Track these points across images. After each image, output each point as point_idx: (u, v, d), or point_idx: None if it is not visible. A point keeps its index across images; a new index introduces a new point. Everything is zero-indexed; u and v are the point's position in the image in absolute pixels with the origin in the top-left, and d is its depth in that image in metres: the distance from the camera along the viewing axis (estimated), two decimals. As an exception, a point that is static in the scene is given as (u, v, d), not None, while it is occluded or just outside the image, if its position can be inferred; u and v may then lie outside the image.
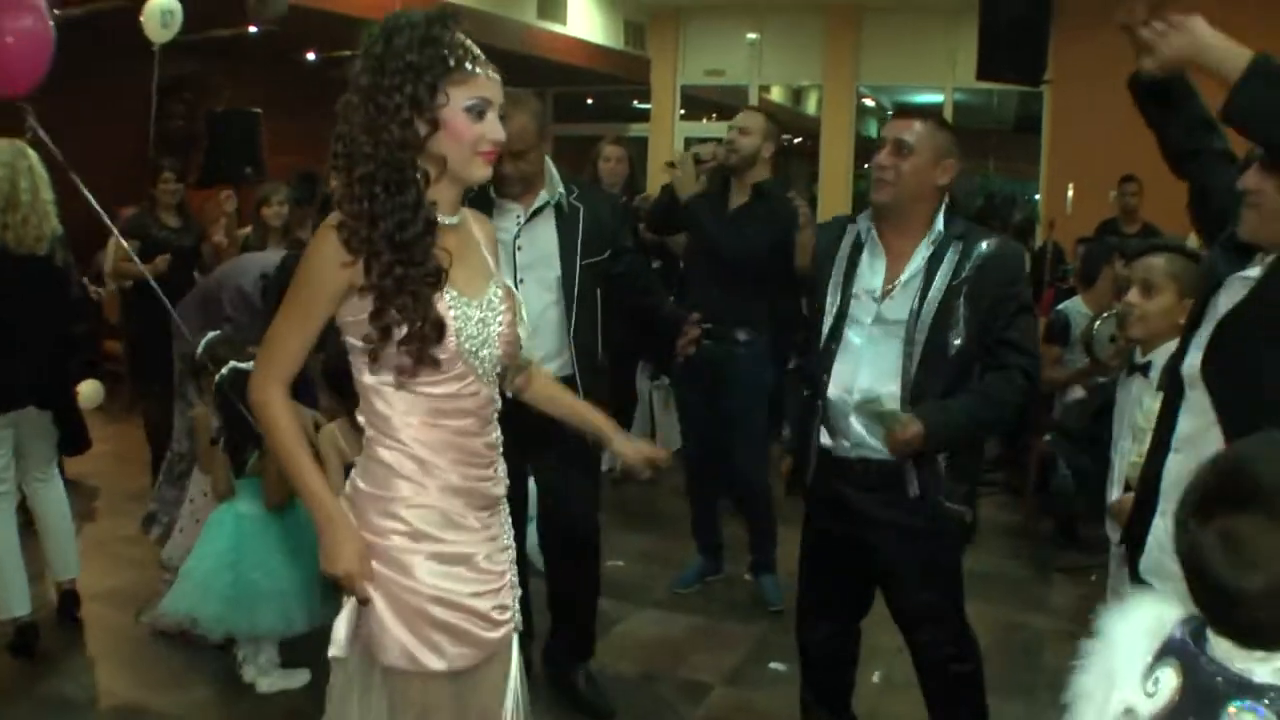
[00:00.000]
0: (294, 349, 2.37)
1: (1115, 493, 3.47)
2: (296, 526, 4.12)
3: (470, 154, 2.33)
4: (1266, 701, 1.40)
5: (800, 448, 3.35)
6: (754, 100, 12.49)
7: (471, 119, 2.30)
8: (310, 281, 2.34)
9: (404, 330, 2.26)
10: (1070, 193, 7.79)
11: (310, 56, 10.33)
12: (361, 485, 2.41)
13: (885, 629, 3.47)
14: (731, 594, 5.40)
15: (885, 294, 3.20)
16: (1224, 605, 1.44)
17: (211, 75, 10.11)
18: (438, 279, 2.30)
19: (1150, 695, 1.52)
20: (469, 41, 2.30)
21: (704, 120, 13.41)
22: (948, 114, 11.65)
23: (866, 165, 11.79)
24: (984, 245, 3.15)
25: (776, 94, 13.89)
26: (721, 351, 5.02)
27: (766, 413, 5.36)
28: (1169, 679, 1.51)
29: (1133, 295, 3.56)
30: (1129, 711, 1.53)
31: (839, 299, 3.27)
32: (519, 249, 3.86)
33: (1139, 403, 3.49)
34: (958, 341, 3.11)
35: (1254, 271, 2.47)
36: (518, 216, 3.87)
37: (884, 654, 3.69)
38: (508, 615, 2.49)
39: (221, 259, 6.52)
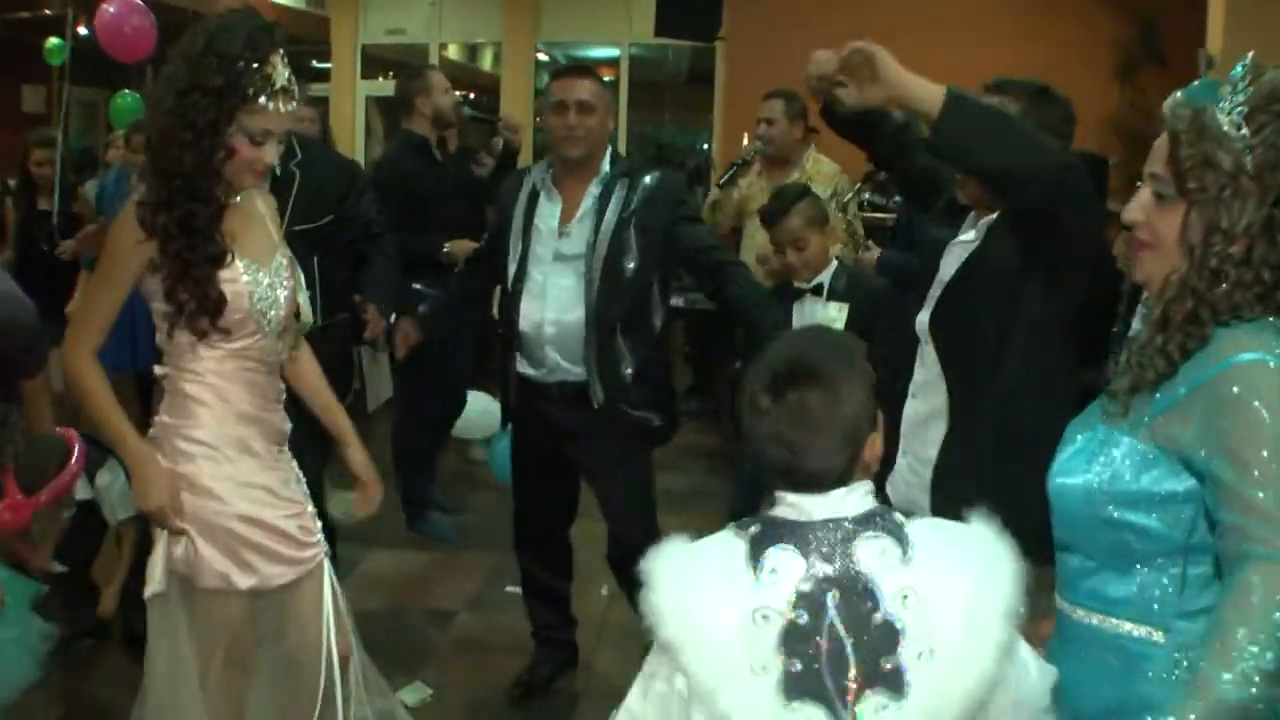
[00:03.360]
0: (102, 319, 2.63)
1: None
2: None
3: (244, 171, 2.57)
4: (878, 522, 1.67)
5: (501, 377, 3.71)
6: (434, 58, 12.59)
7: (251, 145, 2.53)
8: (113, 256, 2.60)
9: (193, 305, 2.52)
10: (745, 142, 8.35)
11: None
12: (165, 418, 2.66)
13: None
14: (459, 527, 5.67)
15: (561, 233, 3.60)
16: (795, 462, 1.67)
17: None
18: (220, 259, 2.55)
19: (773, 584, 1.63)
20: (274, 69, 2.52)
21: (380, 79, 13.33)
22: (624, 69, 12.13)
23: (538, 118, 11.81)
24: (648, 179, 3.61)
25: (453, 51, 14.00)
26: None
27: None
28: (786, 559, 1.64)
29: (791, 256, 4.13)
30: (761, 613, 1.62)
31: (521, 244, 3.64)
32: None
33: (813, 315, 4.04)
34: (631, 265, 3.52)
35: (968, 236, 2.73)
36: None
37: (609, 571, 4.10)
38: (315, 539, 2.75)
39: None
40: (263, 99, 2.50)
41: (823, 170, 5.59)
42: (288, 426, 2.78)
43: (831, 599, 1.62)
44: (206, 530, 2.58)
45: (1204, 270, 1.69)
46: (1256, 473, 1.57)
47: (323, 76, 13.30)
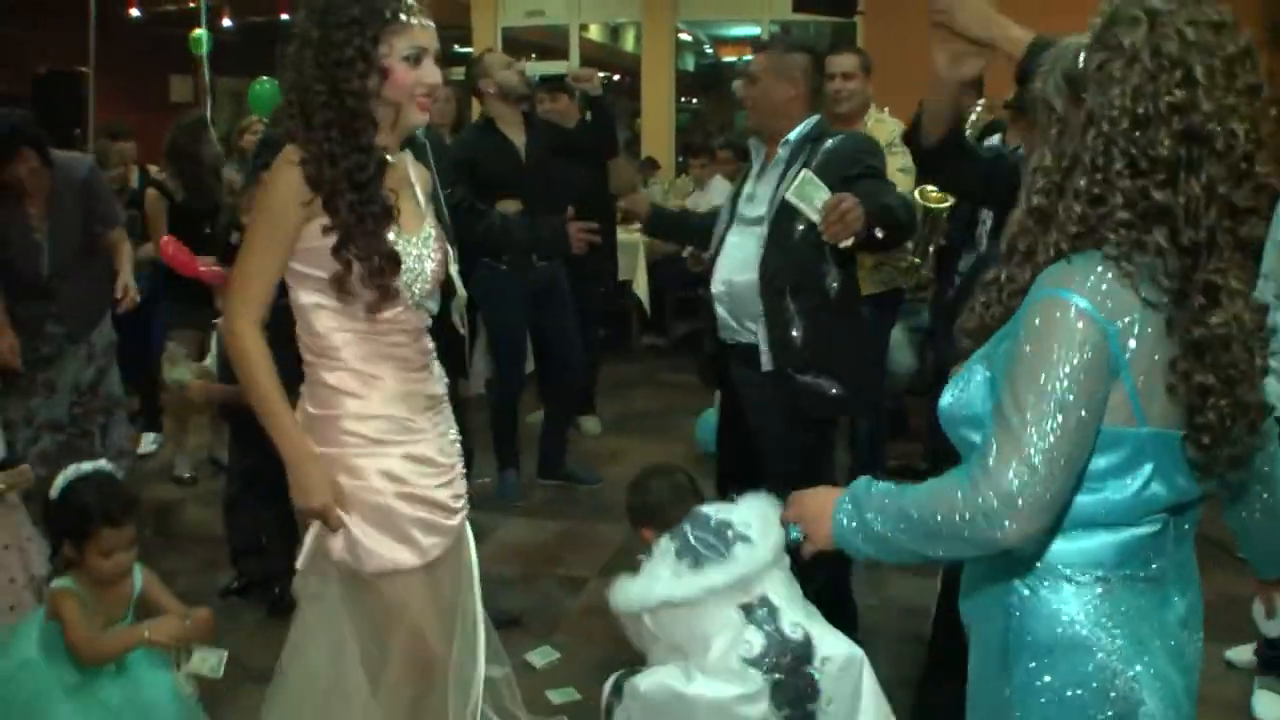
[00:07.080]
0: (264, 286, 2.49)
1: None
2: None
3: (408, 100, 2.49)
4: None
5: (709, 339, 3.82)
6: (574, 39, 12.67)
7: (409, 66, 2.46)
8: (274, 216, 2.47)
9: (363, 265, 2.43)
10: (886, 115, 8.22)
11: (135, 13, 10.11)
12: (310, 409, 2.57)
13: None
14: (595, 499, 5.75)
15: (747, 197, 3.63)
16: None
17: (33, 36, 9.84)
18: (389, 216, 2.48)
19: None
20: None
21: (523, 60, 13.45)
22: (764, 46, 12.02)
23: (683, 99, 11.79)
24: (830, 141, 3.54)
25: (594, 32, 14.06)
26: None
27: None
28: None
29: None
30: None
31: (729, 213, 3.71)
32: None
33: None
34: (800, 228, 3.43)
35: None
36: None
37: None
38: (462, 503, 2.75)
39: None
40: (404, 16, 2.44)
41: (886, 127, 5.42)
42: (440, 389, 2.73)
43: None
44: (368, 514, 2.53)
45: (1032, 208, 1.71)
46: (1006, 402, 1.63)
47: (463, 61, 13.49)
